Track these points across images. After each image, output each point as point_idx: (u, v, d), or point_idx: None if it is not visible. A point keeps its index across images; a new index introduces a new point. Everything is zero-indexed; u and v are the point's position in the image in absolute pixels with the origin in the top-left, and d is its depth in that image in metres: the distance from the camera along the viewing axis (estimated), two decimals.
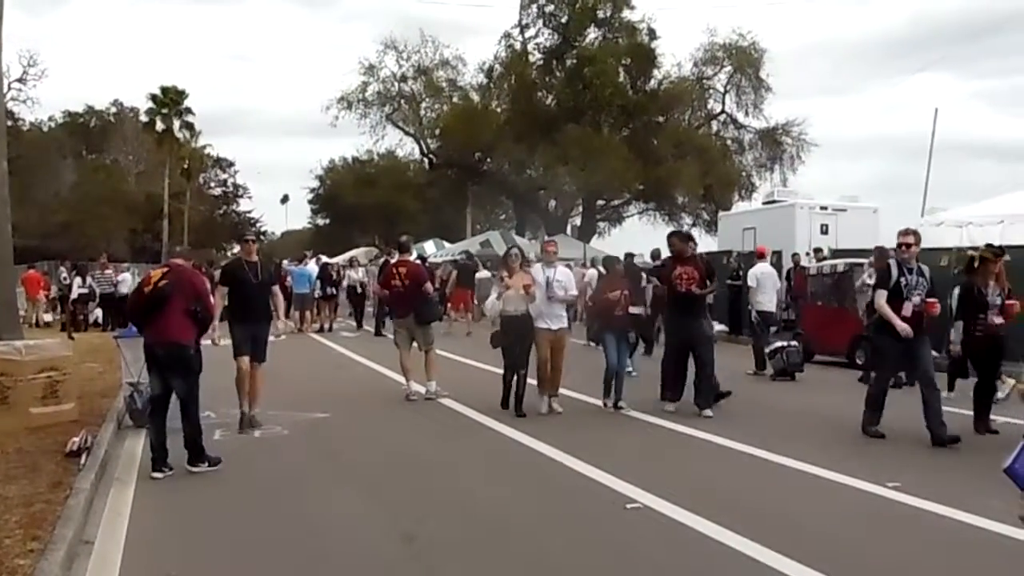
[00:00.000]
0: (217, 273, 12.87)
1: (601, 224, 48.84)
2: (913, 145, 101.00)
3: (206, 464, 8.63)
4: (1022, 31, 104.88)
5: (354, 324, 27.48)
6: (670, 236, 13.07)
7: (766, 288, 16.62)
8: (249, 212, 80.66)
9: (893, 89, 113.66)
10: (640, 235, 44.82)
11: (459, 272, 26.76)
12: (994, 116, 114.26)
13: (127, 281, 28.95)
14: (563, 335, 11.87)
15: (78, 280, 27.56)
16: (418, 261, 18.21)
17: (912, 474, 8.15)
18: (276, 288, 11.33)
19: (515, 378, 11.59)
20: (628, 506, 7.25)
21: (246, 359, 10.64)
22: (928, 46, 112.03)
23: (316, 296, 26.49)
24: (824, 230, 23.75)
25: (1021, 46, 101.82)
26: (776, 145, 43.06)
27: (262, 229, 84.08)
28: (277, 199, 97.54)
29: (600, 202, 46.74)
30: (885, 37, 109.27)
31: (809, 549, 6.00)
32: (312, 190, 71.78)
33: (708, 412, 11.49)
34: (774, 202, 26.78)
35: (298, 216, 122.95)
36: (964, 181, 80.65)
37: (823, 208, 24.61)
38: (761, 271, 16.76)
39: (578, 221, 48.26)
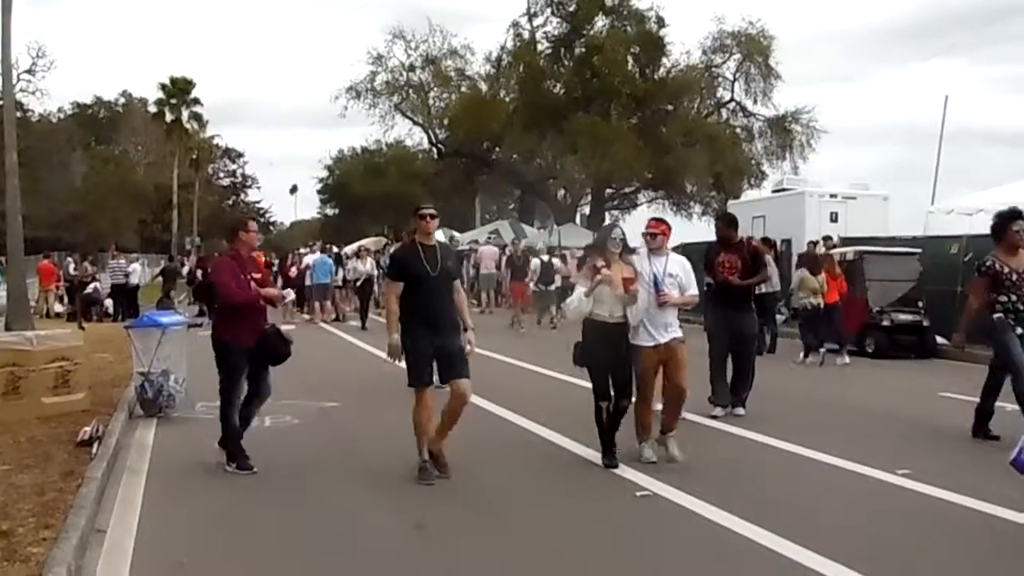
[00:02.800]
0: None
1: (610, 213, 48.75)
2: (923, 132, 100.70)
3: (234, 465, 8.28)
4: None
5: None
6: (717, 220, 12.61)
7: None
8: (258, 202, 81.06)
9: (903, 76, 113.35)
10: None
11: (512, 268, 25.99)
12: (1006, 103, 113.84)
13: (137, 272, 29.10)
14: (677, 349, 8.37)
15: (89, 270, 27.75)
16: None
17: (922, 462, 8.14)
18: (458, 283, 8.19)
19: (608, 411, 8.22)
20: (638, 494, 7.25)
21: (429, 390, 7.82)
22: (938, 33, 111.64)
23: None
24: (834, 218, 23.67)
25: None
26: (785, 133, 42.88)
27: (271, 219, 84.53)
28: (286, 189, 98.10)
29: (609, 191, 46.63)
30: (894, 24, 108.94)
31: (821, 537, 6.00)
32: (321, 180, 71.98)
33: (740, 410, 10.78)
34: (784, 190, 26.70)
35: (307, 206, 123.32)
36: (975, 168, 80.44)
37: (833, 196, 24.52)
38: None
39: (587, 210, 48.18)
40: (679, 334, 8.46)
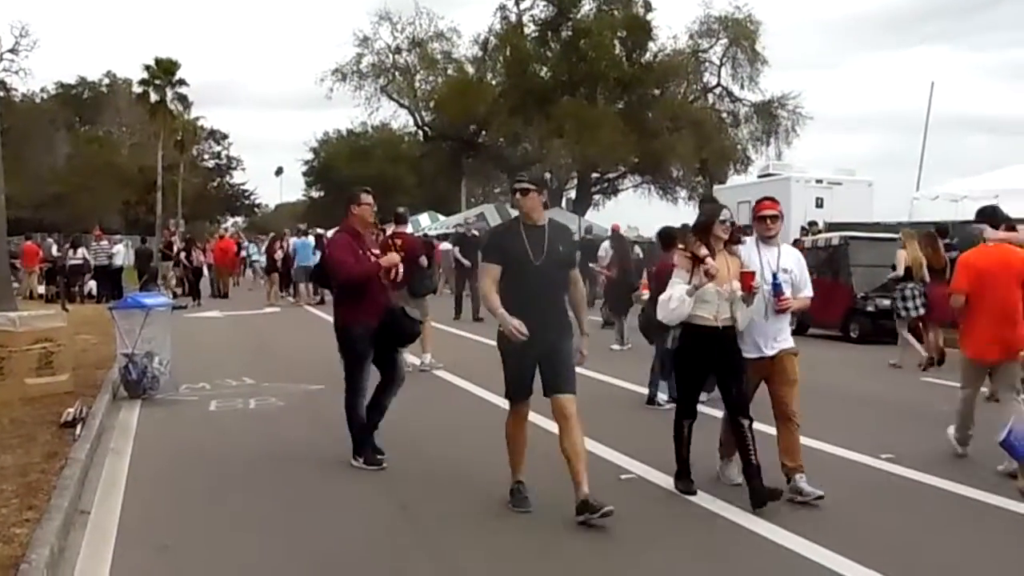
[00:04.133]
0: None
1: (596, 197, 48.75)
2: (909, 119, 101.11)
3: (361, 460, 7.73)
4: (1020, 4, 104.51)
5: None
6: (702, 203, 12.52)
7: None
8: (243, 184, 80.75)
9: (888, 63, 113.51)
10: (635, 208, 44.88)
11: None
12: (991, 90, 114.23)
13: (121, 253, 29.00)
14: (787, 362, 6.86)
15: (70, 252, 27.56)
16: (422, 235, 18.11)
17: (906, 446, 8.18)
18: (575, 274, 6.70)
19: (691, 430, 6.91)
20: (622, 476, 7.28)
21: (525, 409, 6.56)
22: (924, 20, 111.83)
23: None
24: (819, 204, 23.77)
25: (1019, 19, 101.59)
26: (771, 118, 42.99)
27: (257, 201, 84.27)
28: (271, 171, 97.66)
29: (595, 175, 46.64)
30: (880, 10, 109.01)
31: (804, 520, 6.04)
32: (306, 162, 71.89)
33: None
34: (769, 175, 26.75)
35: (292, 188, 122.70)
36: (960, 155, 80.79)
37: (818, 182, 24.62)
38: None
39: (573, 194, 48.16)
40: (791, 343, 6.98)
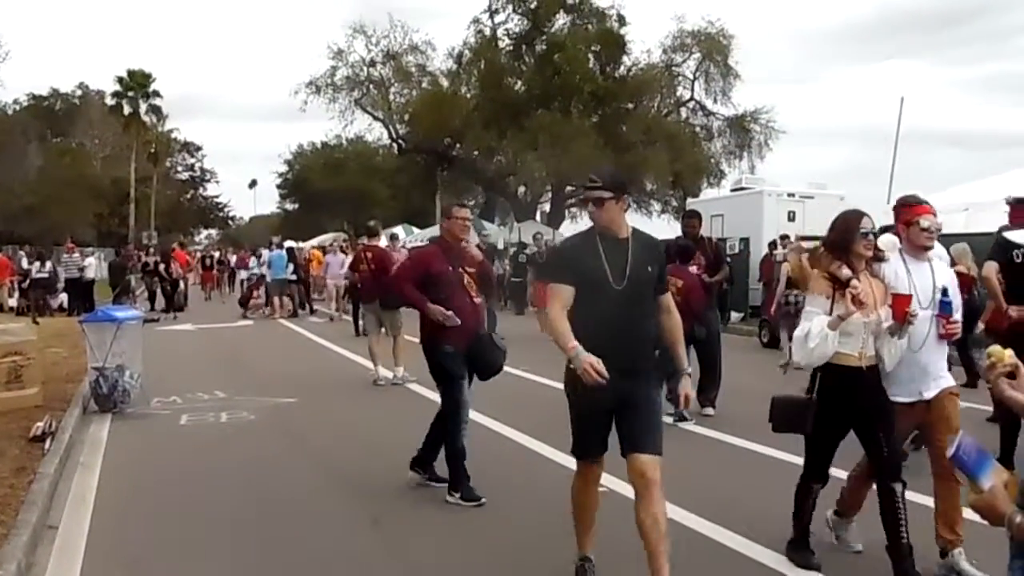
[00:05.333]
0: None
1: (571, 210, 48.85)
2: (880, 133, 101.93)
3: (458, 496, 7.02)
4: (992, 19, 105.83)
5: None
6: (684, 217, 12.34)
7: None
8: (217, 197, 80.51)
9: (861, 77, 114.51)
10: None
11: (538, 267, 23.29)
12: (961, 105, 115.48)
13: (92, 266, 28.81)
14: (948, 405, 5.49)
15: (36, 264, 27.36)
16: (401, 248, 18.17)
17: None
18: (666, 300, 5.27)
19: (818, 494, 5.66)
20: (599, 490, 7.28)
21: (598, 469, 5.31)
22: (894, 35, 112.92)
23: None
24: (791, 217, 23.87)
25: (990, 34, 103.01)
26: (744, 132, 43.25)
27: (231, 214, 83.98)
28: (245, 184, 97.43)
29: (569, 188, 46.73)
30: (850, 25, 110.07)
31: (773, 533, 6.05)
32: (280, 175, 71.72)
33: (709, 410, 10.50)
34: (742, 189, 26.90)
35: (266, 201, 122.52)
36: (930, 169, 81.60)
37: (791, 195, 24.74)
38: None
39: (547, 207, 48.26)
40: (951, 381, 5.58)
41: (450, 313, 6.85)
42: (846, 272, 5.22)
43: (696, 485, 7.31)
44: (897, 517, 5.26)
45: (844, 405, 5.34)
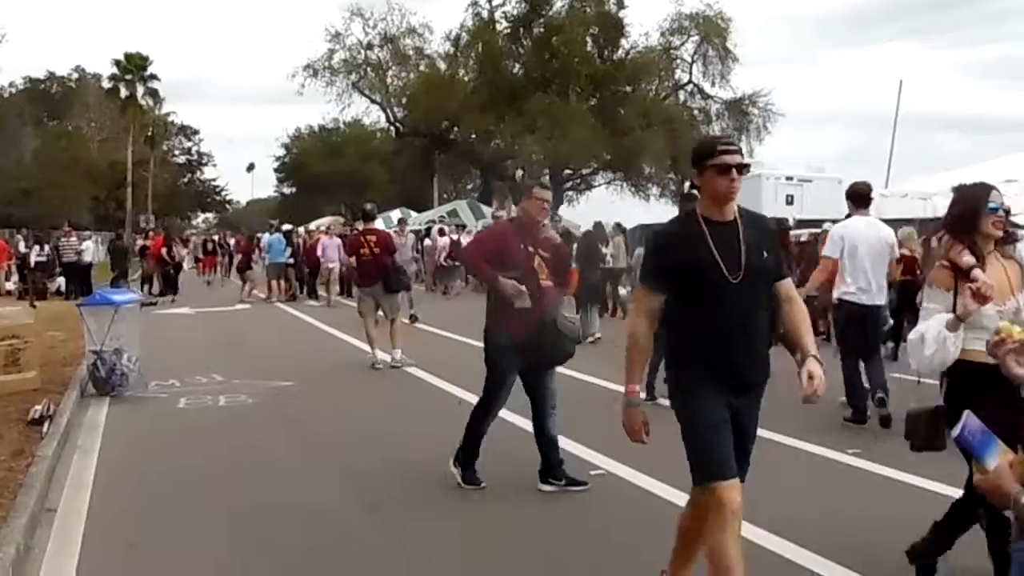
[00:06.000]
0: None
1: (569, 193, 48.84)
2: (879, 116, 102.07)
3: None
4: (990, 2, 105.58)
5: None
6: (682, 199, 12.35)
7: None
8: (214, 180, 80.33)
9: (859, 59, 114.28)
10: (607, 205, 44.96)
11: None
12: (960, 87, 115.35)
13: (90, 249, 28.75)
14: None
15: (36, 248, 27.33)
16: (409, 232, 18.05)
17: (873, 442, 8.23)
18: (788, 285, 4.56)
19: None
20: (592, 472, 7.28)
21: (738, 495, 4.33)
22: (893, 17, 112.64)
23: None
24: (790, 200, 23.90)
25: (989, 17, 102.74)
26: (743, 115, 43.27)
27: (228, 198, 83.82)
28: (243, 167, 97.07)
29: (567, 171, 46.72)
30: (852, 7, 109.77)
31: (771, 516, 6.05)
32: (278, 158, 71.64)
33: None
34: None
35: (264, 185, 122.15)
36: (929, 152, 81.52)
37: (789, 179, 24.76)
38: None
39: None
40: None
41: (523, 289, 6.48)
42: (968, 259, 4.40)
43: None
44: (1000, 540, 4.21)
45: (975, 406, 3.93)
